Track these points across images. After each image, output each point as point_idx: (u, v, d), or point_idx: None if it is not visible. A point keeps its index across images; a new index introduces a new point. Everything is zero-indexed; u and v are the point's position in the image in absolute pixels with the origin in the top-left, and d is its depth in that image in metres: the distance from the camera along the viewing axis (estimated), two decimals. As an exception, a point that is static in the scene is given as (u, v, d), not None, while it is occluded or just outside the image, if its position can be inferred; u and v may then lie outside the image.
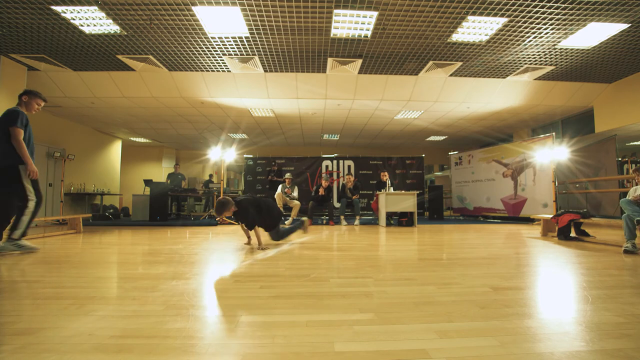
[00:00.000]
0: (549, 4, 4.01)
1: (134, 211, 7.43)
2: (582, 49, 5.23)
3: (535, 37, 4.84)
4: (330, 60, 5.61)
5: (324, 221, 7.54)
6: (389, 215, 6.81)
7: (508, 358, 1.07)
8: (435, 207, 8.77)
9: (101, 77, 6.14)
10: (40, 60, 5.56)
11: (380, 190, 6.80)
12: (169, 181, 9.21)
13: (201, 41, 4.95)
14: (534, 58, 5.55)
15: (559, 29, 4.62)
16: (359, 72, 6.13)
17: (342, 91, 6.71)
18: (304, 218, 4.51)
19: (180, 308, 1.53)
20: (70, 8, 4.07)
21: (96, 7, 4.07)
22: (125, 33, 4.70)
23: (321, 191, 6.95)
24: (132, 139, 10.97)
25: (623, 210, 3.45)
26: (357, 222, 6.82)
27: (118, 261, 2.86)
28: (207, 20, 4.39)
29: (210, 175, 12.11)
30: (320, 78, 6.29)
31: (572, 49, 5.23)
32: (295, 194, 7.24)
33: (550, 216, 4.73)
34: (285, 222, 6.79)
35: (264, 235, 3.61)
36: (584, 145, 7.83)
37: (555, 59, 5.58)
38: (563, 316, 1.45)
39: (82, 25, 4.48)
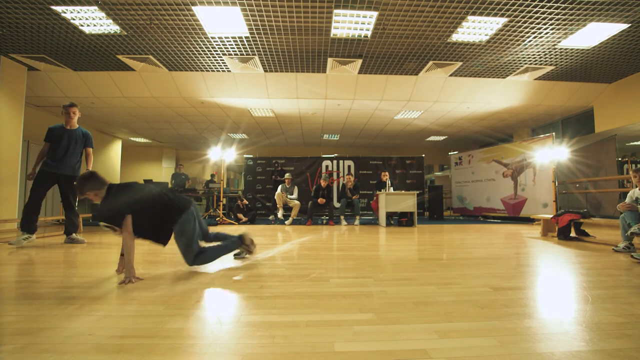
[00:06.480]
0: (549, 4, 4.01)
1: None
2: (582, 49, 5.23)
3: (535, 37, 4.84)
4: (330, 60, 5.61)
5: (324, 221, 7.54)
6: (389, 215, 6.80)
7: (508, 358, 1.06)
8: (435, 207, 8.77)
9: (101, 77, 6.14)
10: (40, 60, 5.56)
11: (380, 190, 6.80)
12: (172, 181, 9.21)
13: (201, 41, 4.95)
14: (534, 58, 5.55)
15: (559, 29, 4.62)
16: (359, 72, 6.13)
17: (342, 91, 6.71)
18: (243, 232, 2.76)
19: (180, 308, 1.53)
20: (70, 8, 4.07)
21: (96, 7, 4.07)
22: (125, 33, 4.70)
23: (320, 201, 6.93)
24: (132, 139, 10.97)
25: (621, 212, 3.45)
26: (357, 222, 6.81)
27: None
28: (207, 20, 4.39)
29: (212, 175, 12.10)
30: (320, 78, 6.28)
31: (572, 49, 5.23)
32: (295, 194, 7.23)
33: (550, 216, 4.73)
34: (286, 222, 6.79)
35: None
36: (584, 145, 7.83)
37: (555, 59, 5.57)
38: (563, 316, 1.45)
39: (82, 25, 4.48)
